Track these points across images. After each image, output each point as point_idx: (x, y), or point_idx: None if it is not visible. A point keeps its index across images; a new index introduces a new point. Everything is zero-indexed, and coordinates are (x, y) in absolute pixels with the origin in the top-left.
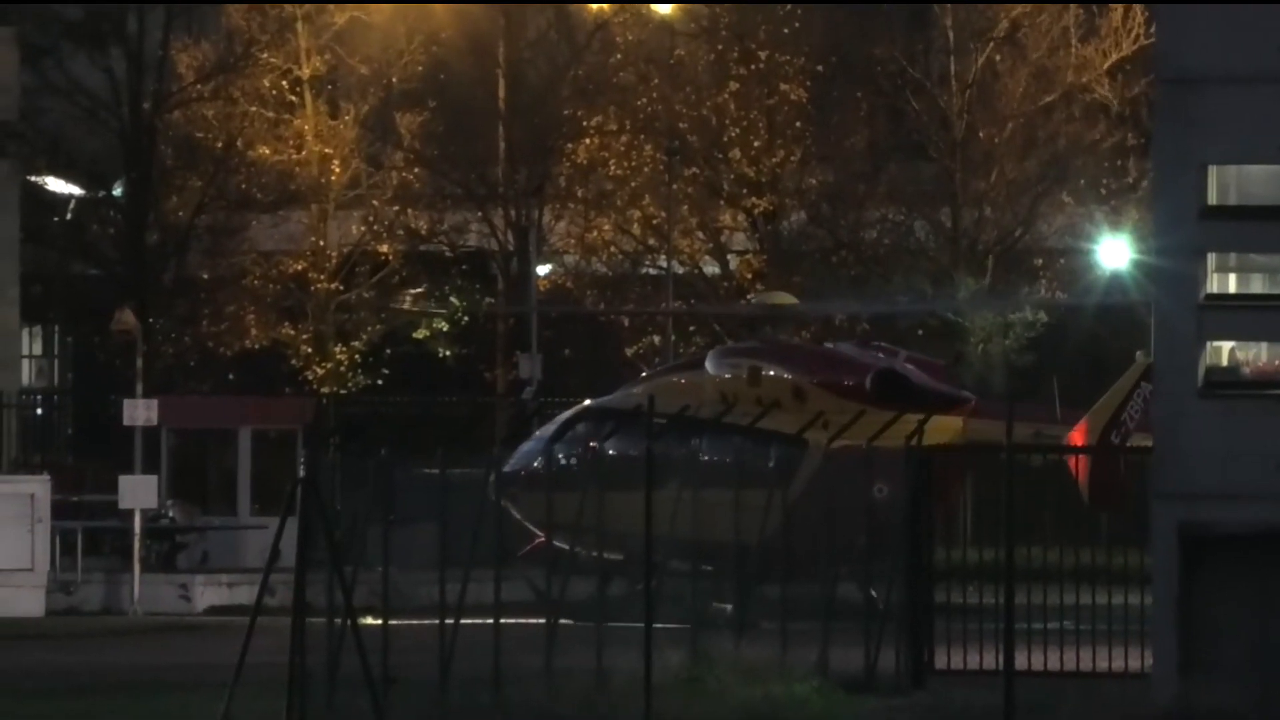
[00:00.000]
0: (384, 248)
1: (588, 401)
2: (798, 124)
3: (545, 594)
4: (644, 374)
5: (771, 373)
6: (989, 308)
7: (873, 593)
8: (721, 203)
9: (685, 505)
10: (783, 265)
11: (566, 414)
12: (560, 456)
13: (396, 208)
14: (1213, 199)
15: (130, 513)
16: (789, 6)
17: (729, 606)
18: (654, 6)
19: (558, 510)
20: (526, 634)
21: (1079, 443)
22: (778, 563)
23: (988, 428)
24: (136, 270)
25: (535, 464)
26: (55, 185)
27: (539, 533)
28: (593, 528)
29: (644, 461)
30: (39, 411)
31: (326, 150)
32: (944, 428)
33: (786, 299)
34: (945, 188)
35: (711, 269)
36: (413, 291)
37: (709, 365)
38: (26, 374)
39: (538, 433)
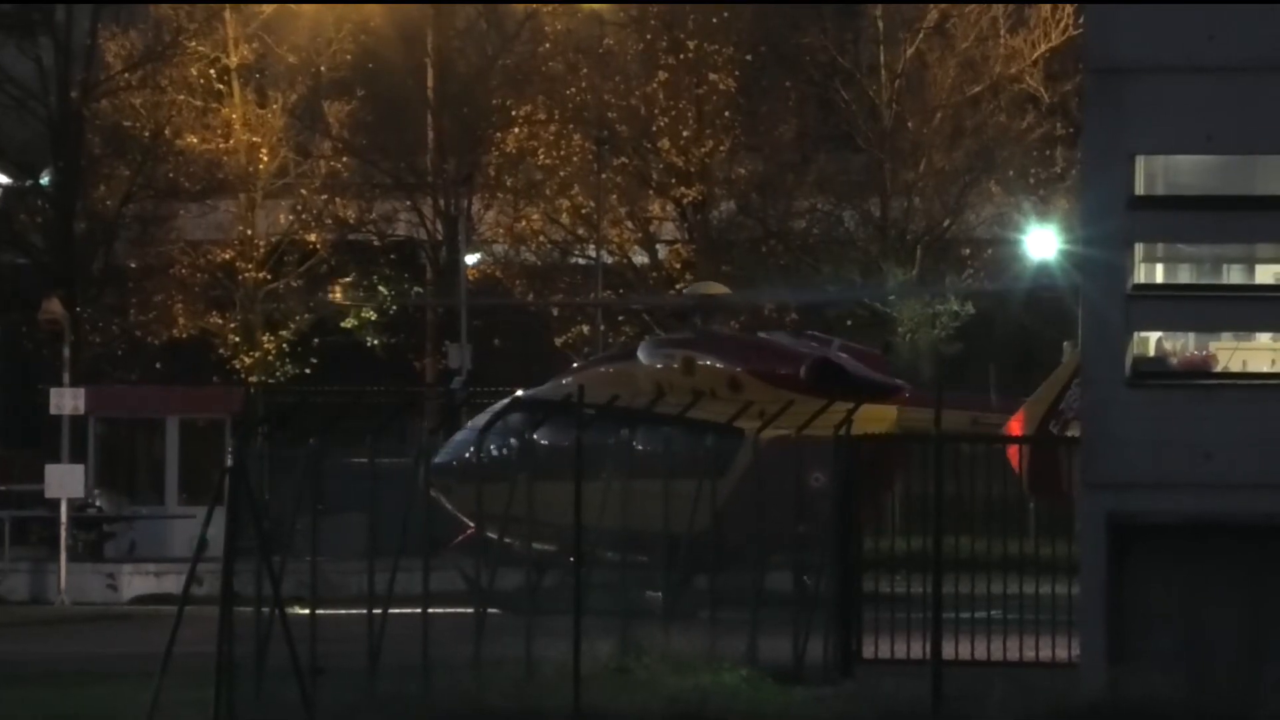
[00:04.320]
0: (312, 237)
1: (519, 392)
2: (727, 113)
3: (475, 582)
4: (575, 364)
5: (706, 363)
6: (918, 295)
7: (805, 580)
8: (651, 192)
9: (618, 495)
10: (712, 255)
11: (498, 405)
12: (491, 447)
13: (325, 197)
14: (1140, 189)
15: (57, 502)
16: None
17: (660, 594)
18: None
19: (488, 501)
20: (456, 624)
21: (1017, 432)
22: (716, 552)
23: (922, 416)
24: (64, 259)
25: (466, 455)
26: None
27: (470, 523)
28: (524, 518)
29: (574, 451)
30: None
31: (254, 139)
32: (879, 417)
33: (718, 289)
34: (874, 178)
35: (641, 259)
36: (343, 281)
37: (641, 355)
38: None
39: (469, 423)
